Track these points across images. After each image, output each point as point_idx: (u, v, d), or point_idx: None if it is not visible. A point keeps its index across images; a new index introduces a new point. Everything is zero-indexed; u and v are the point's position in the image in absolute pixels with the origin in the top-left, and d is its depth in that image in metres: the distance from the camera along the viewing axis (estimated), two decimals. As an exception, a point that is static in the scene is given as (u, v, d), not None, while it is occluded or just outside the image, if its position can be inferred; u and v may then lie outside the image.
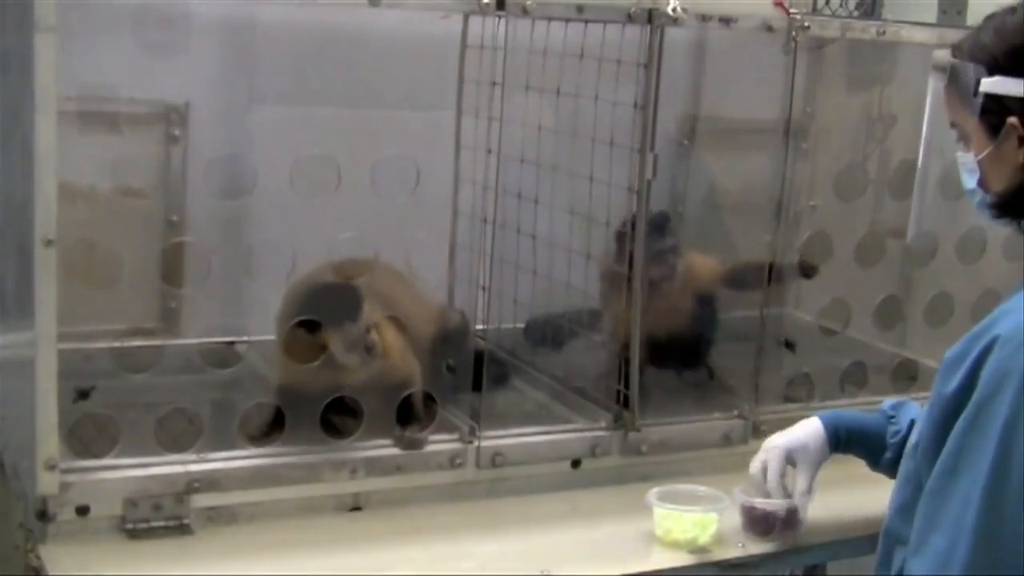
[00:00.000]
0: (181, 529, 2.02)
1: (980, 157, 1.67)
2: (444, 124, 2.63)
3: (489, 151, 2.43)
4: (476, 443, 2.25)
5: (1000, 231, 2.75)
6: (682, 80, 2.98)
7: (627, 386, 2.39)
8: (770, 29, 2.40)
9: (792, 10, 2.39)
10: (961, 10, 2.96)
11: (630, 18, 2.29)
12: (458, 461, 2.23)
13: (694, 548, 2.09)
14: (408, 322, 2.34)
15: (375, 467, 2.18)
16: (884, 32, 2.51)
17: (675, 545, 2.09)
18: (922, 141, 2.72)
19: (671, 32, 2.30)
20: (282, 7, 2.46)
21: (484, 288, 2.43)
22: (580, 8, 2.28)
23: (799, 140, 2.79)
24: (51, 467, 1.92)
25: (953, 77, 1.69)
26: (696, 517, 2.11)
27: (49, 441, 1.92)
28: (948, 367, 1.59)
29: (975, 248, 2.71)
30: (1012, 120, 1.62)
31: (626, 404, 2.38)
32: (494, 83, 2.31)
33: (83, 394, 2.31)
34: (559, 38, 2.45)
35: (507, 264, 2.63)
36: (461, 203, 2.70)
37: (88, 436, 2.12)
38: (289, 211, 2.30)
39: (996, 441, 1.50)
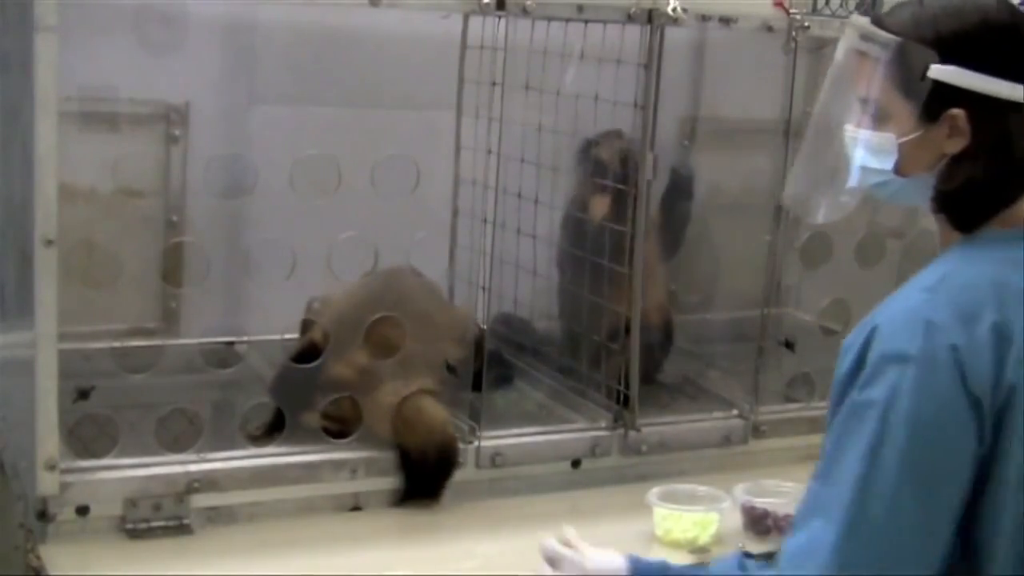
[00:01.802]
0: (181, 529, 2.02)
1: (903, 140, 1.60)
2: (444, 124, 2.63)
3: (489, 151, 2.43)
4: (476, 443, 2.25)
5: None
6: (682, 80, 2.98)
7: (627, 386, 2.39)
8: (770, 29, 2.40)
9: (792, 10, 2.40)
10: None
11: (630, 18, 2.29)
12: (458, 461, 2.23)
13: (694, 548, 2.09)
14: (437, 347, 2.35)
15: (375, 467, 2.18)
16: (884, 32, 2.51)
17: (675, 545, 2.09)
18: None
19: (671, 32, 2.30)
20: (282, 7, 2.47)
21: (484, 288, 2.43)
22: (580, 8, 2.28)
23: (799, 140, 2.79)
24: (51, 467, 1.92)
25: (894, 56, 1.59)
26: (696, 517, 2.12)
27: (49, 441, 1.92)
28: (843, 352, 1.57)
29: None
30: (955, 111, 1.56)
31: (626, 404, 2.39)
32: (494, 83, 2.31)
33: (83, 394, 2.31)
34: (559, 38, 2.45)
35: (507, 264, 2.63)
36: (461, 203, 2.70)
37: (88, 436, 2.12)
38: (289, 211, 2.30)
39: (871, 427, 1.48)
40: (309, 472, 2.13)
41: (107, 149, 2.49)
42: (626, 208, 2.38)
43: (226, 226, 2.62)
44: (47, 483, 1.93)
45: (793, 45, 2.41)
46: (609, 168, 2.54)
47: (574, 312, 2.62)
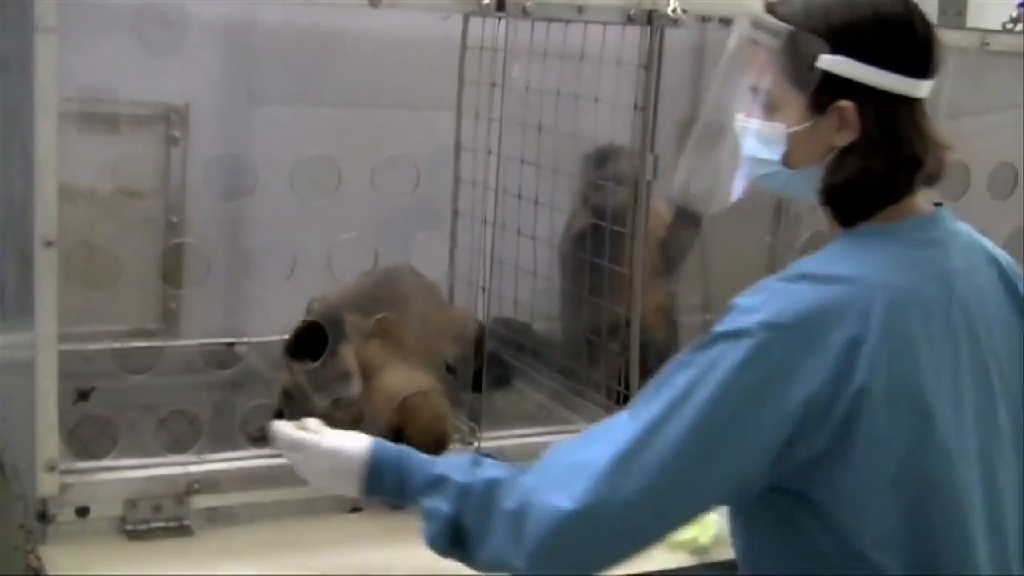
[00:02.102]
0: (181, 530, 2.02)
1: (792, 131, 1.57)
2: (444, 124, 2.63)
3: (489, 152, 2.43)
4: (476, 444, 2.25)
5: (1001, 232, 2.76)
6: (682, 82, 2.98)
7: (627, 387, 2.39)
8: (770, 30, 2.39)
9: (792, 11, 2.39)
10: (961, 10, 2.96)
11: (630, 19, 2.29)
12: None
13: (694, 548, 2.08)
14: (436, 346, 2.34)
15: (375, 468, 2.17)
16: (884, 33, 2.51)
17: (675, 545, 2.09)
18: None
19: (671, 33, 2.30)
20: (282, 8, 2.47)
21: (484, 289, 2.43)
22: (580, 9, 2.28)
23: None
24: (51, 468, 1.92)
25: (785, 45, 1.55)
26: (696, 518, 2.11)
27: (49, 442, 1.92)
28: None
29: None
30: (844, 103, 1.53)
31: (626, 404, 2.38)
32: (494, 84, 2.31)
33: (83, 395, 2.31)
34: (559, 39, 2.45)
35: (507, 265, 2.63)
36: (461, 204, 2.70)
37: (88, 437, 2.12)
38: (289, 212, 2.30)
39: (684, 383, 1.49)
40: (309, 473, 2.13)
41: (107, 150, 2.49)
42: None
43: (226, 227, 2.62)
44: (47, 484, 1.93)
45: (793, 46, 2.40)
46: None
47: (574, 313, 2.62)
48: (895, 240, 1.56)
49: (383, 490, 1.73)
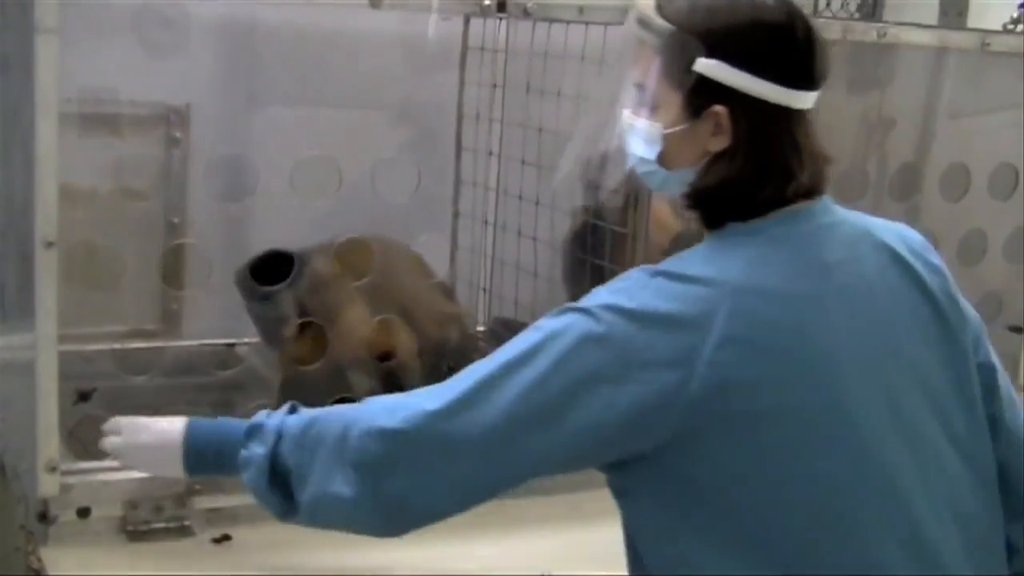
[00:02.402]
0: (182, 531, 2.02)
1: (668, 132, 1.57)
2: (445, 125, 2.63)
3: (490, 153, 2.43)
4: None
5: (1001, 232, 2.76)
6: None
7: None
8: (771, 30, 2.39)
9: (792, 11, 2.39)
10: (962, 11, 2.97)
11: (631, 19, 2.29)
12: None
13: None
14: (408, 319, 2.33)
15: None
16: (885, 34, 2.51)
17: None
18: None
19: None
20: (282, 8, 2.47)
21: (485, 290, 2.43)
22: (581, 9, 2.28)
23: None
24: (52, 469, 1.92)
25: (665, 45, 1.55)
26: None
27: (50, 443, 1.92)
28: None
29: (975, 250, 2.71)
30: (718, 108, 1.52)
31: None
32: (495, 85, 2.32)
33: (84, 396, 2.30)
34: (560, 40, 2.45)
35: (508, 266, 2.63)
36: (462, 204, 2.71)
37: (89, 438, 2.11)
38: (290, 212, 2.30)
39: (525, 347, 1.52)
40: (310, 474, 2.13)
41: (108, 150, 2.49)
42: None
43: (227, 227, 2.62)
44: (48, 485, 1.93)
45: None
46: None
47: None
48: (758, 239, 1.54)
49: (206, 463, 1.76)
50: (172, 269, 2.48)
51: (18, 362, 2.06)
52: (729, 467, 1.47)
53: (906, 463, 1.51)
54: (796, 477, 1.47)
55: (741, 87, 1.52)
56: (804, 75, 1.54)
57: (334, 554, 2.01)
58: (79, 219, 2.26)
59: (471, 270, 2.58)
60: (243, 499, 2.07)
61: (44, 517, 1.94)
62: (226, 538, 2.01)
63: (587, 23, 2.35)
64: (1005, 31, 2.72)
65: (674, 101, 1.56)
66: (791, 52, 1.54)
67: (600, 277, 2.46)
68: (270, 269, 2.25)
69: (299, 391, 2.17)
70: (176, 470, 1.78)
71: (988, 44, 2.59)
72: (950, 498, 1.54)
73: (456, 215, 2.70)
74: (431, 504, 1.59)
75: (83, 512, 1.97)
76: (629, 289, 1.52)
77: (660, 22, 1.56)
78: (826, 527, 1.48)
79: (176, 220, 2.62)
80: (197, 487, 2.03)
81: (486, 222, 2.46)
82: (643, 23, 1.58)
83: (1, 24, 2.11)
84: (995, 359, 1.67)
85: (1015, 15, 2.76)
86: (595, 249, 2.47)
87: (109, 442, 1.85)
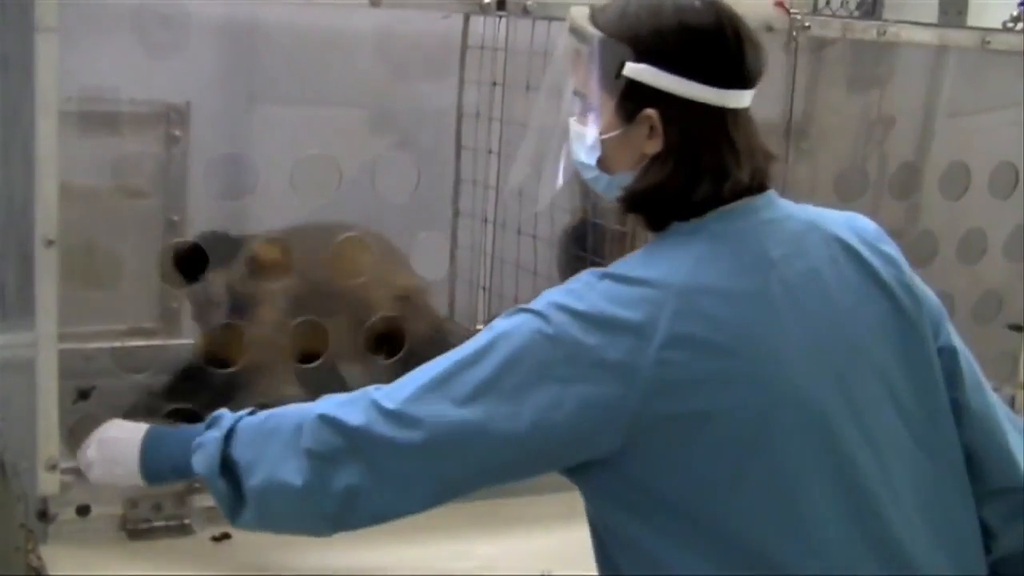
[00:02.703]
0: (182, 529, 2.02)
1: (605, 137, 1.59)
2: (444, 124, 2.63)
3: (490, 151, 2.43)
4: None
5: (1001, 231, 2.76)
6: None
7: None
8: (770, 29, 2.39)
9: (793, 10, 2.39)
10: (961, 10, 2.96)
11: (631, 18, 2.28)
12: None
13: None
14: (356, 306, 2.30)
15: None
16: (884, 32, 2.51)
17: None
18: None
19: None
20: (282, 7, 2.47)
21: (485, 288, 2.43)
22: (580, 8, 2.28)
23: (799, 140, 2.80)
24: (52, 467, 1.93)
25: (596, 51, 1.57)
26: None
27: (50, 441, 1.92)
28: None
29: (975, 248, 2.71)
30: (649, 111, 1.54)
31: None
32: (495, 83, 2.32)
33: (84, 394, 2.30)
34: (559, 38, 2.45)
35: (508, 264, 2.63)
36: (462, 203, 2.70)
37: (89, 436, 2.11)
38: (290, 211, 2.30)
39: (478, 347, 1.54)
40: (309, 472, 2.13)
41: (107, 149, 2.48)
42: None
43: (227, 226, 2.62)
44: (48, 483, 1.93)
45: (794, 45, 2.41)
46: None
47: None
48: (700, 236, 1.55)
49: (161, 466, 1.79)
50: (171, 268, 2.47)
51: (18, 360, 2.06)
52: (684, 468, 1.48)
53: (865, 456, 1.51)
54: (750, 474, 1.48)
55: (670, 89, 1.54)
56: (735, 75, 1.56)
57: (334, 553, 2.01)
58: (79, 218, 2.26)
59: (471, 269, 2.58)
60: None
61: (44, 515, 1.94)
62: (226, 536, 2.01)
63: (587, 22, 2.35)
64: (1005, 29, 2.71)
65: (609, 107, 1.58)
66: (719, 53, 1.55)
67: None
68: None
69: (193, 384, 2.18)
70: (132, 476, 1.82)
71: (988, 42, 2.59)
72: (914, 489, 1.55)
73: (456, 214, 2.69)
74: (380, 501, 1.60)
75: (83, 510, 1.97)
76: (578, 291, 1.53)
77: (591, 30, 1.58)
78: (785, 524, 1.48)
79: (176, 218, 2.62)
80: (196, 485, 2.03)
81: (486, 220, 2.45)
82: (575, 32, 1.61)
83: (1, 23, 2.11)
84: (957, 342, 1.66)
85: (1015, 13, 2.75)
86: (594, 247, 2.48)
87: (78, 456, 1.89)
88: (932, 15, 3.02)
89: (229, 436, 1.69)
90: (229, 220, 2.61)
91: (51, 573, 1.88)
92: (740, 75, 1.56)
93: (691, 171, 1.56)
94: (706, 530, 1.49)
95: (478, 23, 2.36)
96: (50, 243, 1.86)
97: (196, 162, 2.59)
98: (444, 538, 2.10)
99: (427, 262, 2.48)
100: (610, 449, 1.50)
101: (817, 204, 1.68)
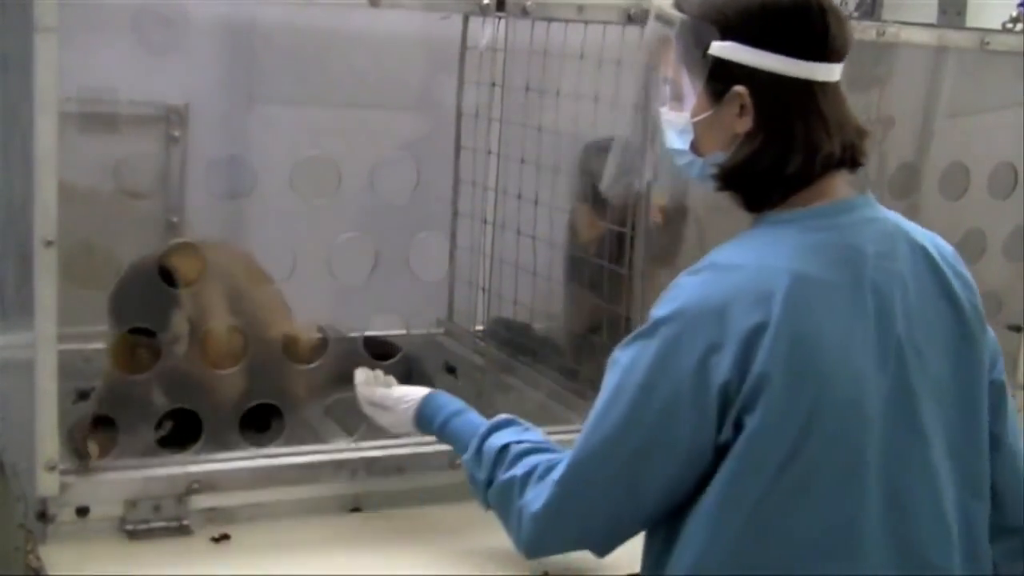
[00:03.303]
0: (181, 530, 2.02)
1: (696, 120, 1.61)
2: (444, 124, 2.63)
3: (489, 152, 2.43)
4: (476, 444, 2.25)
5: (1000, 231, 2.76)
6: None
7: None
8: (770, 29, 2.39)
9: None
10: (961, 10, 2.96)
11: (630, 19, 2.29)
12: (458, 462, 2.22)
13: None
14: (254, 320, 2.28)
15: (375, 468, 2.17)
16: (884, 33, 2.51)
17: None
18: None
19: (671, 33, 2.29)
20: (282, 7, 2.47)
21: (484, 289, 2.43)
22: (580, 9, 2.28)
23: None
24: (51, 468, 1.92)
25: (681, 34, 1.60)
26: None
27: (49, 442, 1.92)
28: None
29: (975, 248, 2.71)
30: (738, 88, 1.55)
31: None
32: (494, 84, 2.32)
33: (83, 395, 2.30)
34: (559, 39, 2.45)
35: (507, 265, 2.63)
36: (461, 204, 2.71)
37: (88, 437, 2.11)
38: (289, 212, 2.30)
39: (612, 383, 1.58)
40: (309, 473, 2.13)
41: (107, 150, 2.49)
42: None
43: (226, 227, 2.62)
44: (47, 484, 1.93)
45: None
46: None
47: (577, 314, 2.61)
48: (799, 226, 1.57)
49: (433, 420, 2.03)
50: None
51: (17, 361, 2.06)
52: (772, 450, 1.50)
53: (912, 474, 1.54)
54: (811, 474, 1.50)
55: (757, 65, 1.55)
56: (821, 48, 1.57)
57: (334, 554, 2.01)
58: (78, 218, 2.26)
59: (470, 269, 2.58)
60: (242, 499, 2.08)
61: (43, 516, 1.94)
62: (225, 537, 2.01)
63: (586, 22, 2.36)
64: (1004, 30, 2.71)
65: (697, 89, 1.60)
66: (805, 26, 1.56)
67: (600, 276, 2.46)
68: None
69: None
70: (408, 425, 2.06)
71: (987, 43, 2.59)
72: (944, 508, 1.57)
73: (455, 214, 2.70)
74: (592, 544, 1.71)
75: (82, 511, 1.97)
76: (681, 294, 1.55)
77: (672, 14, 1.60)
78: (829, 531, 1.51)
79: (175, 219, 2.62)
80: (195, 486, 2.03)
81: (485, 221, 2.45)
82: (661, 18, 1.63)
83: (1, 23, 2.11)
84: (1004, 379, 1.69)
85: (1014, 14, 2.75)
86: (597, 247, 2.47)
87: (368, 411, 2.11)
88: (931, 16, 3.02)
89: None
90: (228, 220, 2.61)
91: (50, 573, 1.88)
92: (826, 48, 1.57)
93: (783, 145, 1.57)
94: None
95: (478, 23, 2.36)
96: (49, 243, 1.86)
97: (195, 163, 2.59)
98: (444, 538, 2.10)
99: (426, 263, 2.47)
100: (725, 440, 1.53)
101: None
